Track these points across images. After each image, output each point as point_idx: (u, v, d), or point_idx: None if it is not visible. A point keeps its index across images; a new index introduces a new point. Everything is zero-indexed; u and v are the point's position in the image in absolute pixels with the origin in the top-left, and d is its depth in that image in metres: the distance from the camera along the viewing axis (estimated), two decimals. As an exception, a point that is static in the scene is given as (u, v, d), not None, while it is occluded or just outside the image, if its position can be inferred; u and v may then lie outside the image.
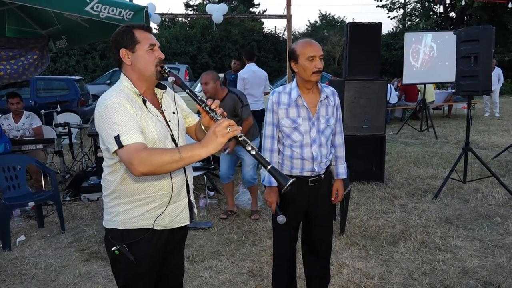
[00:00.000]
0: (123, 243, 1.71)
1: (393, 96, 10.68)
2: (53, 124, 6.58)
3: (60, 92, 10.76)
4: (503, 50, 19.81)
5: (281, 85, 2.54)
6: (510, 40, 20.44)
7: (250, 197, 4.50)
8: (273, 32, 25.55)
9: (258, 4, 29.91)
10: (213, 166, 5.17)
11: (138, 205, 1.71)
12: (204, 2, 26.92)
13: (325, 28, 34.34)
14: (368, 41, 5.25)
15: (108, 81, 14.29)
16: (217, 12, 8.72)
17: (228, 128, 1.44)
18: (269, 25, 34.35)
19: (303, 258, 2.59)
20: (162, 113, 1.77)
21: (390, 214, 4.30)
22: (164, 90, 1.82)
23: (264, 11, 29.30)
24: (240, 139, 1.48)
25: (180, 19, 22.77)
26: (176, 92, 1.83)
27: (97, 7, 3.87)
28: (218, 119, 1.53)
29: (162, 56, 1.71)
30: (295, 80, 2.32)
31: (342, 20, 34.48)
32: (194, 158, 1.47)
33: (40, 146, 5.21)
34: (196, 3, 28.52)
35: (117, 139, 1.52)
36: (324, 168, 2.36)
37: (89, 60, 19.59)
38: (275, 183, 2.26)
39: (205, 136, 1.48)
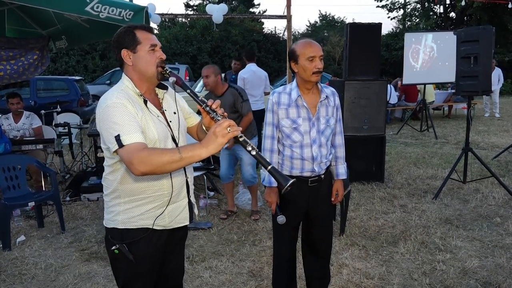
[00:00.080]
0: (122, 243, 1.71)
1: (393, 96, 10.68)
2: (53, 124, 6.58)
3: (60, 92, 10.77)
4: (503, 51, 19.82)
5: (281, 86, 2.55)
6: (510, 40, 20.45)
7: (250, 197, 4.50)
8: (273, 32, 25.55)
9: (258, 5, 29.94)
10: (213, 166, 5.17)
11: (138, 204, 1.72)
12: (204, 2, 26.97)
13: (325, 28, 34.34)
14: (368, 42, 5.25)
15: (108, 81, 14.29)
16: (217, 12, 8.72)
17: (228, 129, 1.44)
18: (269, 25, 34.44)
19: (303, 258, 2.59)
20: (163, 113, 1.77)
21: (390, 214, 4.30)
22: (165, 91, 1.83)
23: (264, 12, 29.32)
24: (241, 139, 1.48)
25: (180, 19, 22.78)
26: (177, 92, 1.84)
27: (97, 7, 3.87)
28: (218, 119, 1.53)
29: (163, 56, 1.72)
30: (295, 80, 2.32)
31: (342, 20, 34.51)
32: (194, 158, 1.47)
33: (40, 146, 5.21)
34: (196, 3, 28.55)
35: (117, 138, 1.52)
36: (324, 168, 2.36)
37: (89, 60, 19.60)
38: (275, 183, 2.26)
39: (205, 137, 1.48)
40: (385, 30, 25.91)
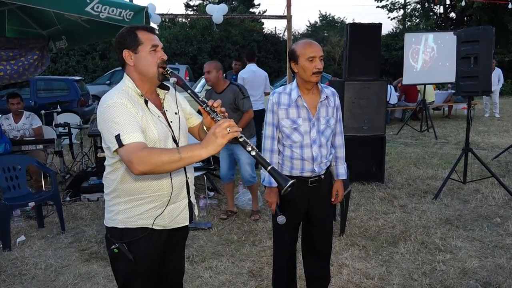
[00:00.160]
0: (122, 242, 1.72)
1: (393, 96, 10.68)
2: (53, 124, 6.58)
3: (60, 93, 10.77)
4: (503, 51, 19.82)
5: (281, 86, 2.55)
6: (510, 40, 20.45)
7: (250, 197, 4.50)
8: (273, 32, 25.58)
9: (258, 5, 29.94)
10: (213, 167, 5.17)
11: (137, 204, 1.72)
12: (204, 3, 26.98)
13: (325, 28, 34.32)
14: (368, 42, 5.25)
15: (108, 82, 14.29)
16: (217, 12, 8.72)
17: (228, 129, 1.44)
18: (269, 26, 34.37)
19: (303, 259, 2.60)
20: (164, 113, 1.78)
21: (390, 214, 4.30)
22: (167, 91, 1.83)
23: (264, 12, 29.32)
24: (241, 139, 1.48)
25: (180, 19, 22.79)
26: (178, 92, 1.84)
27: (97, 7, 3.87)
28: (218, 120, 1.53)
29: (165, 57, 1.72)
30: (295, 80, 2.32)
31: (342, 20, 34.50)
32: (193, 158, 1.47)
33: (40, 146, 5.21)
34: (196, 3, 28.56)
35: (117, 138, 1.53)
36: (324, 168, 2.36)
37: (89, 60, 19.61)
38: (275, 184, 2.26)
39: (205, 137, 1.48)
40: (385, 30, 25.92)
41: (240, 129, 1.49)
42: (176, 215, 1.81)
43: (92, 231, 4.05)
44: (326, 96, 2.31)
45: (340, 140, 2.47)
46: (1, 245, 3.71)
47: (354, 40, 5.25)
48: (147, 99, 1.71)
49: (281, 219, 2.25)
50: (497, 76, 10.96)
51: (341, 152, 2.48)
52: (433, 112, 11.74)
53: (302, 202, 2.36)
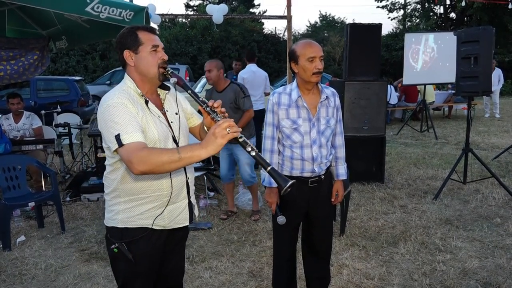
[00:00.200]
0: (122, 241, 1.72)
1: (393, 97, 10.68)
2: (53, 124, 6.58)
3: (60, 93, 10.76)
4: (503, 51, 19.82)
5: (281, 86, 2.55)
6: (510, 41, 20.45)
7: (251, 197, 4.50)
8: (273, 32, 25.58)
9: (259, 5, 29.94)
10: (213, 167, 5.17)
11: (137, 204, 1.72)
12: (205, 3, 26.99)
13: (325, 28, 34.31)
14: (368, 42, 5.25)
15: (108, 82, 14.29)
16: (217, 12, 8.73)
17: (228, 129, 1.44)
18: (269, 26, 34.31)
19: (303, 259, 2.60)
20: (164, 113, 1.78)
21: (390, 215, 4.30)
22: (167, 91, 1.83)
23: (264, 12, 29.31)
24: (240, 140, 1.48)
25: (180, 19, 22.80)
26: (179, 92, 1.84)
27: (98, 7, 3.87)
28: (218, 120, 1.53)
29: (165, 57, 1.72)
30: (295, 81, 2.32)
31: (342, 20, 34.50)
32: (193, 158, 1.47)
33: (40, 146, 5.21)
34: (196, 3, 28.57)
35: (117, 138, 1.53)
36: (324, 169, 2.36)
37: (89, 60, 19.62)
38: (275, 184, 2.25)
39: (205, 137, 1.48)
40: (385, 31, 25.93)
41: (240, 129, 1.49)
42: (176, 215, 1.81)
43: (92, 231, 4.05)
44: (326, 97, 2.31)
45: (340, 140, 2.47)
46: (1, 245, 3.71)
47: (354, 40, 5.25)
48: (147, 99, 1.71)
49: (281, 219, 2.25)
50: (497, 76, 10.96)
51: (341, 152, 2.48)
52: (433, 112, 11.74)
53: (302, 202, 2.36)
